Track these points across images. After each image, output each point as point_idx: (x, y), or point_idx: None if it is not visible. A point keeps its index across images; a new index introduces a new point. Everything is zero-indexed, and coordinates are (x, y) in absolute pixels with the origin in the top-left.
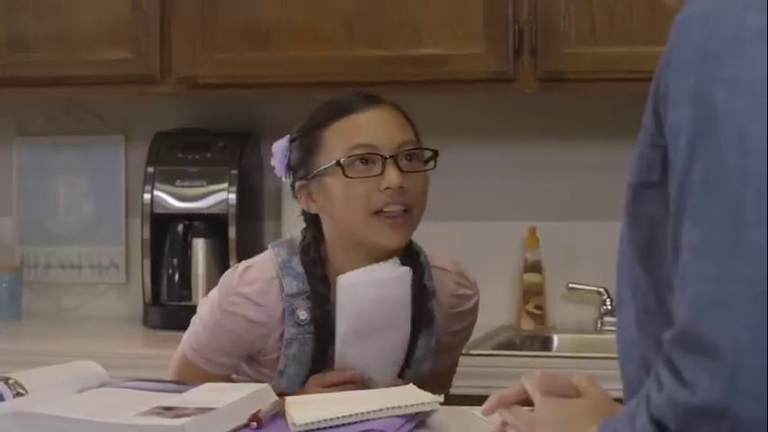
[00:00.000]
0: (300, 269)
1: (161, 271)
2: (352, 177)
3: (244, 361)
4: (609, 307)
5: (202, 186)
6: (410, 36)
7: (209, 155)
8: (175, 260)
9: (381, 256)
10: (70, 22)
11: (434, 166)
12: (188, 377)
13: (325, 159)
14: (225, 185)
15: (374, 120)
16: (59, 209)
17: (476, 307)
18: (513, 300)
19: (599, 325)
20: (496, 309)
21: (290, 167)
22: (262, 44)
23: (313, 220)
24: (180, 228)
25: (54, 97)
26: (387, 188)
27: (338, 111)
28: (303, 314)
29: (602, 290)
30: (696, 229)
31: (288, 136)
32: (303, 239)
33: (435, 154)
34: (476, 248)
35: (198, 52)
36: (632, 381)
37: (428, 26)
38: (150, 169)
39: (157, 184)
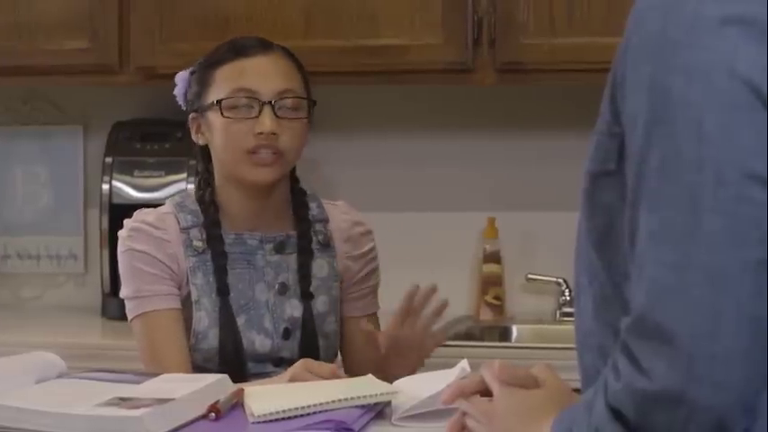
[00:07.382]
0: (194, 206)
1: None
2: (228, 117)
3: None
4: (567, 297)
5: (161, 176)
6: (369, 26)
7: (167, 145)
8: None
9: (254, 189)
10: (29, 11)
11: (310, 115)
12: (156, 343)
13: (213, 97)
14: (183, 176)
15: (260, 66)
16: (18, 199)
17: (374, 247)
18: (471, 290)
19: (557, 315)
20: (455, 299)
21: (188, 99)
22: (220, 34)
23: (205, 156)
24: None
25: (12, 86)
26: (260, 133)
27: (231, 53)
28: (198, 243)
29: (560, 280)
30: (653, 217)
31: (190, 68)
32: (196, 173)
33: (313, 103)
34: (435, 239)
35: (156, 42)
36: (589, 369)
37: (387, 16)
38: (108, 159)
39: (116, 175)
